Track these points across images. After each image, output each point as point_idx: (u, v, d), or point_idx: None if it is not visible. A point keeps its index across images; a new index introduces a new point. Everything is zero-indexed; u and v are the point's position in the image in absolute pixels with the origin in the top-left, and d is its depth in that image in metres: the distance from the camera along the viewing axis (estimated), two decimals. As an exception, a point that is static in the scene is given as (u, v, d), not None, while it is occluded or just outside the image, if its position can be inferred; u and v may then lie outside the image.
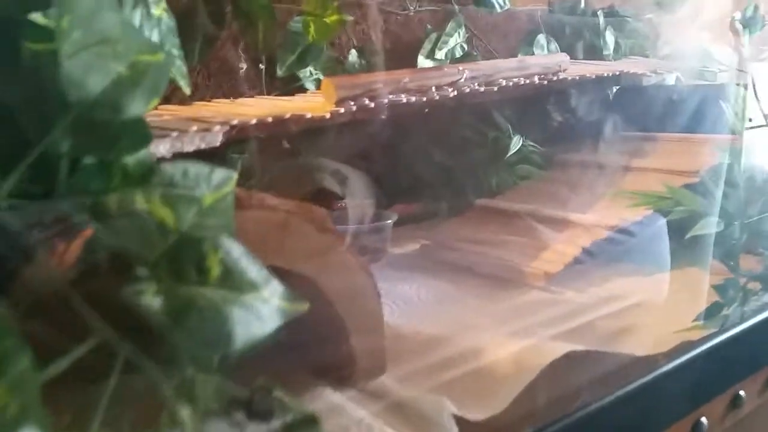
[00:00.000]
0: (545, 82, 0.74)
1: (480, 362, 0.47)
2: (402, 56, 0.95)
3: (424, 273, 0.74)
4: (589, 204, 0.78)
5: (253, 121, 0.52)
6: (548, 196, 0.85)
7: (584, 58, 1.12)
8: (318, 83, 0.84)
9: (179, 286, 0.30)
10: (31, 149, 0.29)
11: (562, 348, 0.46)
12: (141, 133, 0.31)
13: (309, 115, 0.55)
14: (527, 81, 0.72)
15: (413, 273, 0.75)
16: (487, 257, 0.74)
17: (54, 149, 0.29)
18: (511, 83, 0.71)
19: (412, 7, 0.95)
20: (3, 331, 0.23)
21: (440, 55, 0.95)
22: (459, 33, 0.97)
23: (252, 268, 0.33)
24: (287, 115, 0.54)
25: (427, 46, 0.94)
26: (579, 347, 0.46)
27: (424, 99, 0.63)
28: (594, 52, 1.14)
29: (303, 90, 0.84)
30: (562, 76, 0.76)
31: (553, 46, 1.06)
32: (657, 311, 0.61)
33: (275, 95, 0.82)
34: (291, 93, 0.82)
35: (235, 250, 0.32)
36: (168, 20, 0.52)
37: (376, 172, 0.88)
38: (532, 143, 0.91)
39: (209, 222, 0.32)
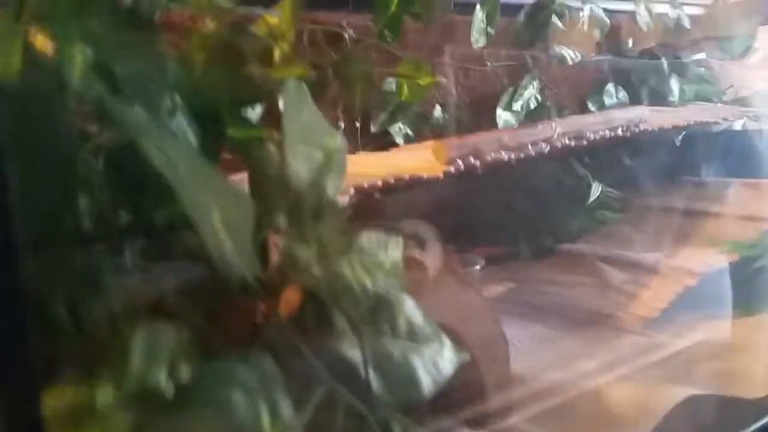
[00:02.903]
0: (628, 134, 0.78)
1: (602, 407, 0.51)
2: (481, 109, 1.00)
3: (515, 316, 0.78)
4: (672, 249, 0.81)
5: (379, 183, 0.57)
6: (627, 240, 0.88)
7: (649, 104, 1.16)
8: (406, 138, 0.91)
9: (377, 339, 0.35)
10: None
11: (682, 392, 0.49)
12: (338, 209, 0.36)
13: (425, 176, 0.60)
14: (612, 134, 0.77)
15: (504, 316, 0.78)
16: (575, 300, 0.77)
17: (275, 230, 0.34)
18: (598, 136, 0.75)
19: (489, 63, 1.01)
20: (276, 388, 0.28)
21: (516, 106, 1.01)
22: (533, 85, 1.03)
23: (426, 323, 0.38)
24: (406, 176, 0.59)
25: (504, 98, 1.00)
26: (698, 391, 0.50)
27: (522, 155, 0.68)
28: (658, 98, 1.18)
29: (394, 144, 0.90)
30: (643, 127, 0.81)
31: (622, 94, 1.11)
32: (753, 354, 0.63)
33: (368, 150, 0.88)
34: (384, 147, 0.88)
35: (413, 307, 0.37)
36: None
37: (460, 217, 0.93)
38: (609, 189, 0.95)
39: (391, 282, 0.37)
